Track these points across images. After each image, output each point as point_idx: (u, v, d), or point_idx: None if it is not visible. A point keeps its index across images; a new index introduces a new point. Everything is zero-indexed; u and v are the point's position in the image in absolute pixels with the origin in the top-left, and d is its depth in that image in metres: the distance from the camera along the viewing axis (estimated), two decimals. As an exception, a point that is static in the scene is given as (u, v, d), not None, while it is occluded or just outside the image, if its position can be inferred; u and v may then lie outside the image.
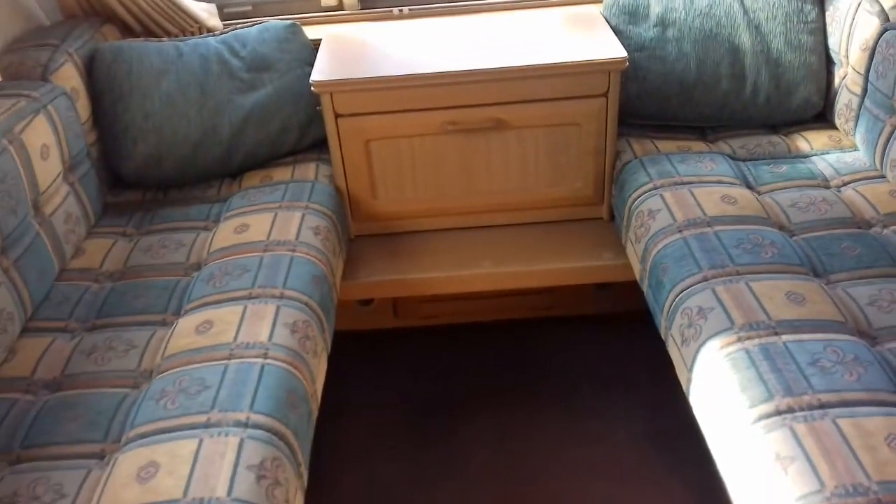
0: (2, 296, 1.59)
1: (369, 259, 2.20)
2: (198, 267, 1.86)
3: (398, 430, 2.13)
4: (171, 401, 1.42)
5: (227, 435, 1.34)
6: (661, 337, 2.18)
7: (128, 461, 1.31)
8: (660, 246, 1.80)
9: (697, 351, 1.53)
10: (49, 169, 1.82)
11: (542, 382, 2.25)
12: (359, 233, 2.25)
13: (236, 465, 1.28)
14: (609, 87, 2.04)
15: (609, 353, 2.33)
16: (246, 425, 1.36)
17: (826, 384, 1.34)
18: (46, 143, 1.80)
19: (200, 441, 1.33)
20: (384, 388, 2.27)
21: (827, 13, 2.17)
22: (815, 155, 2.10)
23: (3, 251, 1.63)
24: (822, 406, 1.31)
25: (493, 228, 2.25)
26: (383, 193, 2.19)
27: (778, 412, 1.31)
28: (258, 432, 1.35)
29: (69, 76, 2.00)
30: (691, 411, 2.02)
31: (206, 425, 1.36)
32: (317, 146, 2.27)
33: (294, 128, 2.22)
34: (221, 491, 1.23)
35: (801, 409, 1.31)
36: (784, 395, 1.34)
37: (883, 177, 1.95)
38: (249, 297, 1.68)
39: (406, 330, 2.44)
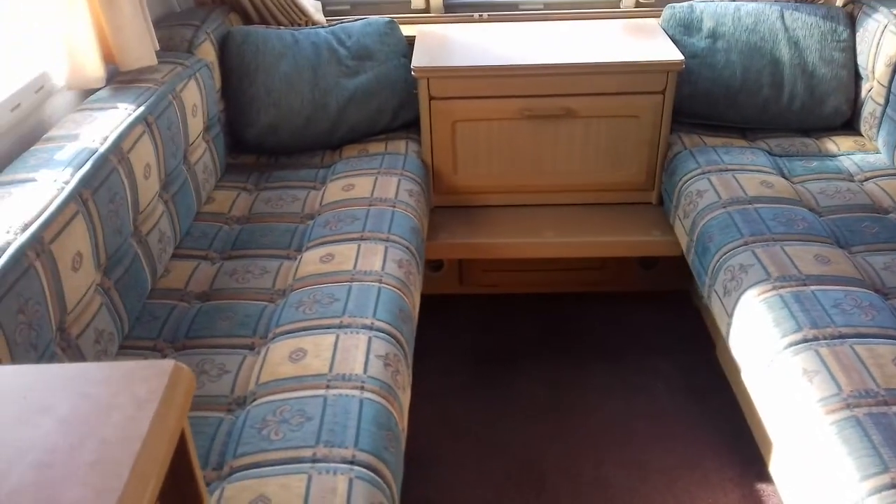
0: (163, 223, 1.93)
1: (446, 225, 2.53)
2: (311, 217, 2.19)
3: (465, 375, 2.44)
4: (309, 308, 1.75)
5: (357, 333, 1.66)
6: (696, 313, 2.51)
7: (279, 348, 1.64)
8: (706, 218, 2.12)
9: (738, 299, 1.84)
10: (196, 125, 2.17)
11: (590, 344, 2.55)
12: (439, 203, 2.58)
13: (368, 355, 1.60)
14: (666, 86, 2.37)
15: (651, 324, 2.63)
16: (371, 328, 1.69)
17: (846, 321, 1.65)
18: (196, 103, 2.16)
19: (337, 336, 1.65)
20: (451, 341, 2.58)
21: (857, 33, 2.49)
22: (842, 155, 2.42)
23: (164, 187, 1.98)
24: (841, 336, 1.61)
25: (556, 207, 2.58)
26: (463, 169, 2.52)
27: (805, 340, 1.62)
28: (381, 335, 1.68)
29: (207, 51, 2.35)
30: (722, 374, 2.33)
31: (340, 326, 1.69)
32: (406, 127, 2.62)
33: (389, 109, 2.57)
34: (359, 369, 1.56)
35: (825, 338, 1.61)
36: (811, 327, 1.64)
37: (901, 174, 2.27)
38: (361, 239, 2.01)
39: (469, 296, 2.76)
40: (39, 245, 1.38)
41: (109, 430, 0.77)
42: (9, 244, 1.33)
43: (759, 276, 1.83)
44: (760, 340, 1.71)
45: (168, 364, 0.85)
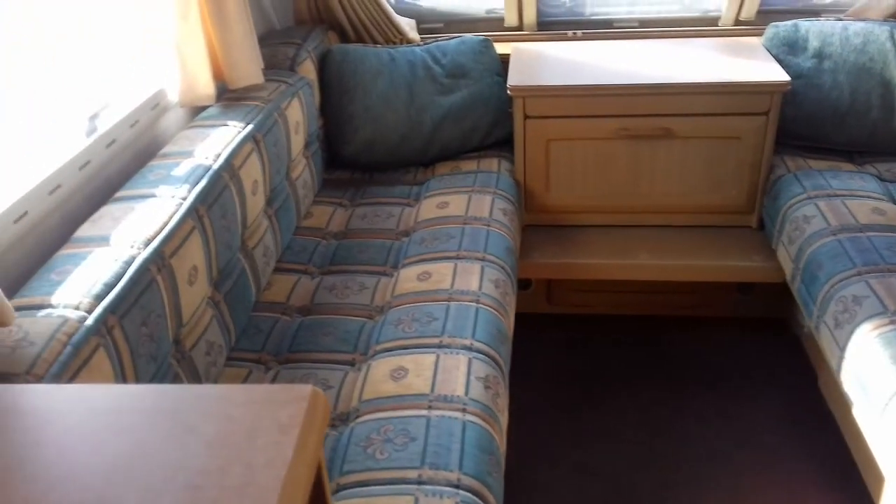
0: (267, 238, 1.98)
1: (538, 244, 2.50)
2: (406, 233, 2.20)
3: (554, 397, 2.41)
4: (408, 326, 1.76)
5: (457, 354, 1.66)
6: (795, 342, 2.41)
7: (380, 366, 1.65)
8: (815, 245, 2.04)
9: (851, 332, 1.76)
10: (298, 142, 2.21)
11: (685, 368, 2.49)
12: (530, 222, 2.56)
13: (468, 376, 1.60)
14: (771, 107, 2.31)
15: (747, 352, 2.54)
16: (470, 349, 1.68)
17: (973, 360, 1.56)
18: (298, 121, 2.20)
19: (437, 356, 1.65)
20: (539, 361, 2.56)
21: (977, 55, 2.37)
22: (959, 181, 2.30)
23: (269, 203, 2.03)
24: (969, 376, 1.53)
25: (651, 228, 2.52)
26: (555, 188, 2.50)
27: (929, 379, 1.54)
28: (480, 356, 1.67)
29: (308, 70, 2.40)
30: (825, 406, 2.23)
31: (440, 346, 1.69)
32: (498, 145, 2.61)
33: (482, 127, 2.57)
34: (461, 391, 1.55)
35: (950, 378, 1.53)
36: (935, 365, 1.56)
37: None
38: (458, 257, 2.01)
39: (557, 316, 2.73)
40: (161, 259, 1.42)
41: (255, 454, 0.78)
42: (133, 258, 1.38)
43: (874, 309, 1.75)
44: (876, 377, 1.63)
45: (306, 389, 0.86)
